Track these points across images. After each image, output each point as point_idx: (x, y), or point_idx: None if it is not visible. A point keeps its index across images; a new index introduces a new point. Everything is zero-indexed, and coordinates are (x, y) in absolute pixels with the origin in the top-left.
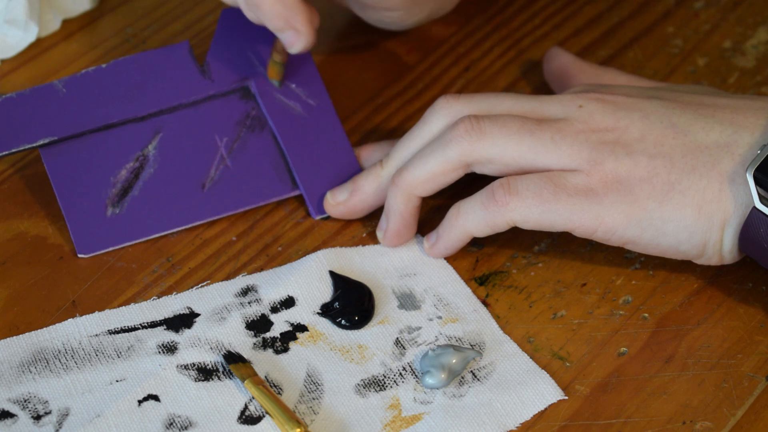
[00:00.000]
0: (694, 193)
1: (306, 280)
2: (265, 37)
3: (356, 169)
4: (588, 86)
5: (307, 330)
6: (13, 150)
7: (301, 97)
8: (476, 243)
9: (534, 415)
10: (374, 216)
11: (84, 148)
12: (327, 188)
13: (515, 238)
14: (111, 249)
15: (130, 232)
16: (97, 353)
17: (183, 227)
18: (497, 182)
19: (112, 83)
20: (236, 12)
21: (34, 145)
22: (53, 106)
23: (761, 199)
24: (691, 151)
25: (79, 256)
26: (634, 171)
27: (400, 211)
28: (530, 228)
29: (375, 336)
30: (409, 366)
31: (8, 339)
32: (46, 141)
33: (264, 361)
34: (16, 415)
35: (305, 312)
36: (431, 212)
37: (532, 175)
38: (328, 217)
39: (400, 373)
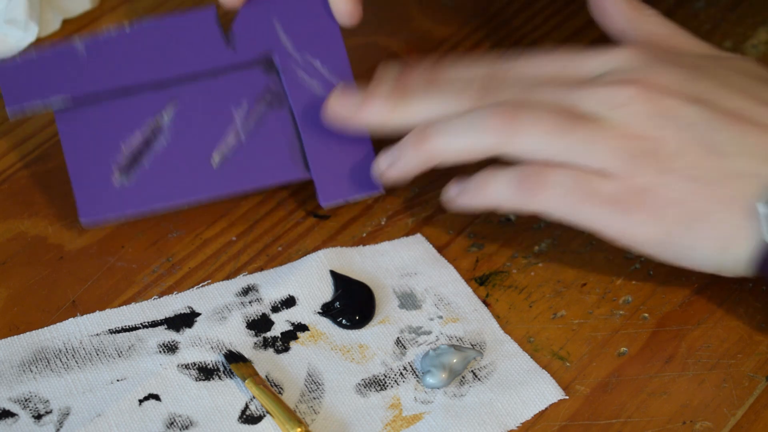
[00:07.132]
0: (719, 224)
1: (307, 280)
2: (293, 10)
3: (372, 158)
4: (634, 62)
5: (308, 329)
6: (26, 105)
7: (324, 75)
8: (476, 243)
9: (534, 415)
10: (375, 216)
11: (98, 114)
12: (339, 175)
13: (515, 238)
14: (113, 216)
15: (136, 202)
16: (98, 352)
17: (191, 200)
18: (530, 169)
19: (134, 46)
20: None
21: (49, 100)
22: (72, 66)
23: None
24: (723, 179)
25: (82, 220)
26: (665, 191)
27: (411, 168)
28: (554, 220)
29: (376, 335)
30: (410, 365)
31: (9, 338)
32: (60, 98)
33: (265, 361)
34: (17, 415)
35: (306, 311)
36: (434, 213)
37: (565, 171)
38: (336, 206)
39: (401, 373)
